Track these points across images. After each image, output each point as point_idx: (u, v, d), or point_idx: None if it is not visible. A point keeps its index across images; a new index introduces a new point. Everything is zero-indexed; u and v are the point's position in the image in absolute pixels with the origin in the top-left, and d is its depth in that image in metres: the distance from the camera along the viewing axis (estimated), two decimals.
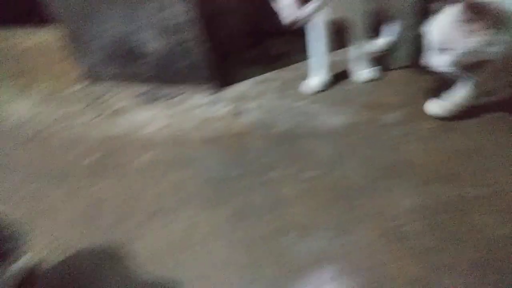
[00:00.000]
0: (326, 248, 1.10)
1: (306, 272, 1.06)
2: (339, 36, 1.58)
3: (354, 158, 1.35)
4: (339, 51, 1.68)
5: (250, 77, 1.77)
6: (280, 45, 1.89)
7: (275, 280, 1.05)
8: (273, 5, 1.33)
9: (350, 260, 1.07)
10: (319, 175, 1.30)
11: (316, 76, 1.62)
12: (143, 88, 1.80)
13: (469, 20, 1.14)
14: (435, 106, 1.41)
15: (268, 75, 1.77)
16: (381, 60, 1.68)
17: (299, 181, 1.29)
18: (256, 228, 1.18)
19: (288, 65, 1.80)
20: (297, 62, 1.79)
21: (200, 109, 1.66)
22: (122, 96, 1.80)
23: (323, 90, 1.63)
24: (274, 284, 1.05)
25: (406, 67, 1.65)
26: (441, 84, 1.44)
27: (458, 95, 1.36)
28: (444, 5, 1.23)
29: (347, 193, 1.24)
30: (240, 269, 1.09)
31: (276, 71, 1.78)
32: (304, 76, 1.67)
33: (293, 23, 1.31)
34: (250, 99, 1.67)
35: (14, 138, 1.67)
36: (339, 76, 1.67)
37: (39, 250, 1.16)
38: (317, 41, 1.56)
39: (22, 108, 1.82)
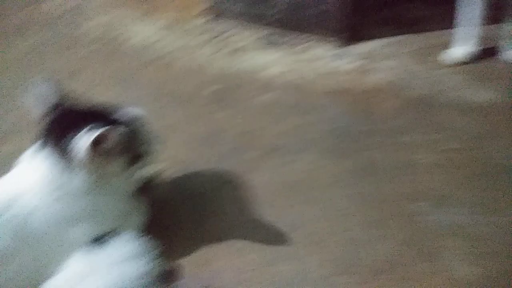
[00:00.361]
0: (463, 224, 1.00)
1: (438, 242, 0.97)
2: (495, 8, 1.41)
3: (498, 138, 1.21)
4: (491, 25, 1.51)
5: (381, 37, 1.65)
6: (418, 9, 1.74)
7: (405, 243, 0.98)
8: None
9: (489, 241, 0.96)
10: (458, 149, 1.18)
11: (461, 46, 1.47)
12: (267, 31, 1.74)
13: None
14: None
15: (401, 37, 1.64)
16: None
17: (435, 150, 1.18)
18: (383, 188, 1.10)
19: (425, 31, 1.65)
20: (435, 29, 1.63)
21: (325, 61, 1.58)
22: (245, 35, 1.76)
23: (467, 63, 1.48)
24: (403, 248, 0.97)
25: None
26: None
27: None
28: None
29: (489, 172, 1.12)
30: (364, 224, 1.02)
31: (411, 35, 1.64)
32: (443, 45, 1.52)
33: None
34: (380, 58, 1.55)
35: (137, 58, 1.71)
36: (487, 51, 1.50)
37: (160, 163, 1.18)
38: (471, 8, 1.40)
39: (145, 31, 1.85)
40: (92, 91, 1.48)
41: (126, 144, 0.84)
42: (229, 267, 0.96)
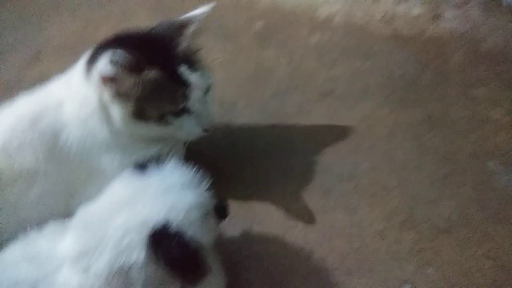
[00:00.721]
0: None
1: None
2: None
3: None
4: None
5: None
6: None
7: (474, 203, 0.87)
8: None
9: None
10: None
11: None
12: None
13: None
14: None
15: None
16: None
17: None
18: (450, 144, 0.98)
19: None
20: None
21: (386, 3, 1.43)
22: None
23: None
24: (471, 208, 0.86)
25: None
26: None
27: None
28: None
29: None
30: (424, 179, 0.92)
31: None
32: None
33: None
34: (451, 5, 1.39)
35: None
36: None
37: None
38: None
39: None
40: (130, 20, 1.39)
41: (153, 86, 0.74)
42: (275, 212, 0.89)
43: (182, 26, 0.78)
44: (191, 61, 0.77)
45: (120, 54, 0.70)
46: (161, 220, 0.58)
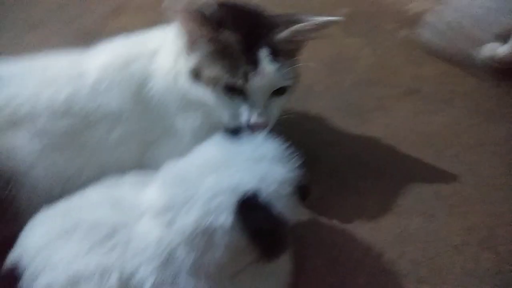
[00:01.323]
0: None
1: None
2: None
3: None
4: None
5: None
6: None
7: None
8: None
9: None
10: None
11: None
12: None
13: None
14: None
15: None
16: None
17: None
18: None
19: None
20: None
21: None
22: None
23: None
24: None
25: None
26: None
27: None
28: None
29: None
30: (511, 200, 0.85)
31: None
32: None
33: None
34: None
35: None
36: None
37: None
38: None
39: None
40: None
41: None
42: (346, 205, 0.85)
43: (294, 21, 0.73)
44: (278, 52, 0.70)
45: (211, 6, 0.68)
46: (252, 189, 0.56)
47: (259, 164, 0.58)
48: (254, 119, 0.70)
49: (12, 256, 0.61)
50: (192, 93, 0.73)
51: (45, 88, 0.71)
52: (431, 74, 1.12)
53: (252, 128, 0.69)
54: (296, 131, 0.97)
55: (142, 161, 0.77)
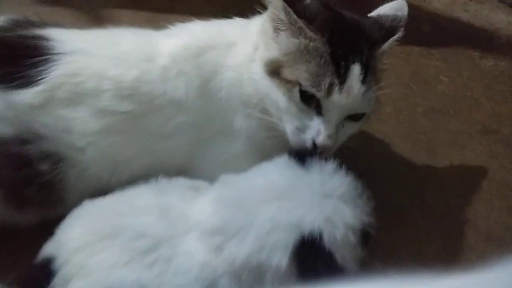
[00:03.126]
0: None
1: None
2: None
3: None
4: None
5: None
6: None
7: None
8: None
9: None
10: None
11: None
12: None
13: None
14: None
15: None
16: None
17: None
18: None
19: None
20: None
21: None
22: None
23: None
24: None
25: None
26: None
27: None
28: None
29: None
30: None
31: None
32: None
33: None
34: None
35: None
36: None
37: None
38: None
39: None
40: None
41: None
42: (408, 245, 0.77)
43: (392, 29, 0.66)
44: (368, 71, 0.63)
45: (314, 3, 0.63)
46: (315, 230, 0.50)
47: (326, 201, 0.52)
48: (321, 139, 0.63)
49: (48, 249, 0.59)
50: (261, 91, 0.67)
51: (113, 66, 0.68)
52: None
53: (315, 149, 0.63)
54: (357, 154, 0.91)
55: (192, 159, 0.73)
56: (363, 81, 0.62)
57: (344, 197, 0.53)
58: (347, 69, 0.61)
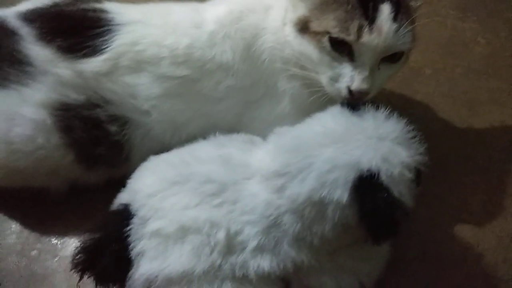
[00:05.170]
0: None
1: None
2: None
3: None
4: None
5: None
6: None
7: None
8: None
9: None
10: None
11: None
12: None
13: None
14: None
15: None
16: None
17: None
18: None
19: None
20: None
21: None
22: None
23: None
24: None
25: None
26: None
27: None
28: None
29: None
30: None
31: None
32: None
33: None
34: None
35: None
36: None
37: None
38: None
39: None
40: None
41: None
42: (447, 200, 0.80)
43: None
44: (399, 9, 0.63)
45: None
46: (373, 168, 0.53)
47: (382, 143, 0.55)
48: (357, 84, 0.64)
49: (123, 197, 0.65)
50: (296, 50, 0.69)
51: (168, 34, 0.72)
52: None
53: (353, 96, 0.65)
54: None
55: (241, 120, 0.77)
56: (395, 19, 0.62)
57: (398, 139, 0.56)
58: (375, 9, 0.62)
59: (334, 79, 0.66)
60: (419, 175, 0.59)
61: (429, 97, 0.96)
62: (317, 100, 0.71)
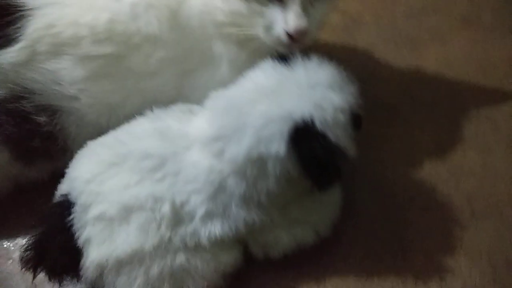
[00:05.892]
0: None
1: None
2: None
3: None
4: None
5: None
6: None
7: None
8: None
9: None
10: None
11: None
12: None
13: None
14: None
15: None
16: None
17: None
18: None
19: None
20: None
21: None
22: None
23: None
24: None
25: None
26: None
27: None
28: None
29: None
30: None
31: None
32: None
33: None
34: None
35: None
36: None
37: None
38: None
39: None
40: None
41: None
42: (397, 141, 0.80)
43: None
44: None
45: None
46: (306, 116, 0.53)
47: (313, 90, 0.55)
48: (292, 24, 0.61)
49: (62, 188, 0.62)
50: (224, 9, 0.67)
51: (85, 11, 0.68)
52: (492, 0, 1.02)
53: (293, 38, 0.62)
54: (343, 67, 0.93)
55: (182, 92, 0.74)
56: None
57: (330, 85, 0.55)
58: None
59: (269, 27, 0.64)
60: (358, 119, 0.59)
61: (372, 44, 0.96)
62: (256, 60, 0.70)
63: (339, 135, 0.54)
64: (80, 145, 0.68)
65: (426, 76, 0.90)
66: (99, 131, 0.69)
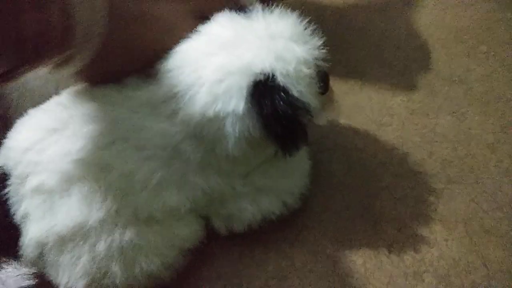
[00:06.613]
0: None
1: None
2: None
3: None
4: None
5: None
6: None
7: None
8: None
9: None
10: None
11: None
12: None
13: None
14: None
15: None
16: None
17: None
18: None
19: None
20: None
21: None
22: None
23: None
24: None
25: None
26: None
27: None
28: None
29: None
30: None
31: None
32: None
33: None
34: None
35: None
36: None
37: None
38: None
39: None
40: None
41: None
42: (367, 106, 0.77)
43: None
44: None
45: None
46: (267, 69, 0.47)
47: (274, 42, 0.49)
48: None
49: None
50: None
51: None
52: None
53: None
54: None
55: None
56: None
57: (292, 36, 0.50)
58: None
59: None
60: (324, 76, 0.54)
61: (341, 8, 0.92)
62: None
63: (303, 90, 0.48)
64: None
65: (395, 40, 0.87)
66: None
